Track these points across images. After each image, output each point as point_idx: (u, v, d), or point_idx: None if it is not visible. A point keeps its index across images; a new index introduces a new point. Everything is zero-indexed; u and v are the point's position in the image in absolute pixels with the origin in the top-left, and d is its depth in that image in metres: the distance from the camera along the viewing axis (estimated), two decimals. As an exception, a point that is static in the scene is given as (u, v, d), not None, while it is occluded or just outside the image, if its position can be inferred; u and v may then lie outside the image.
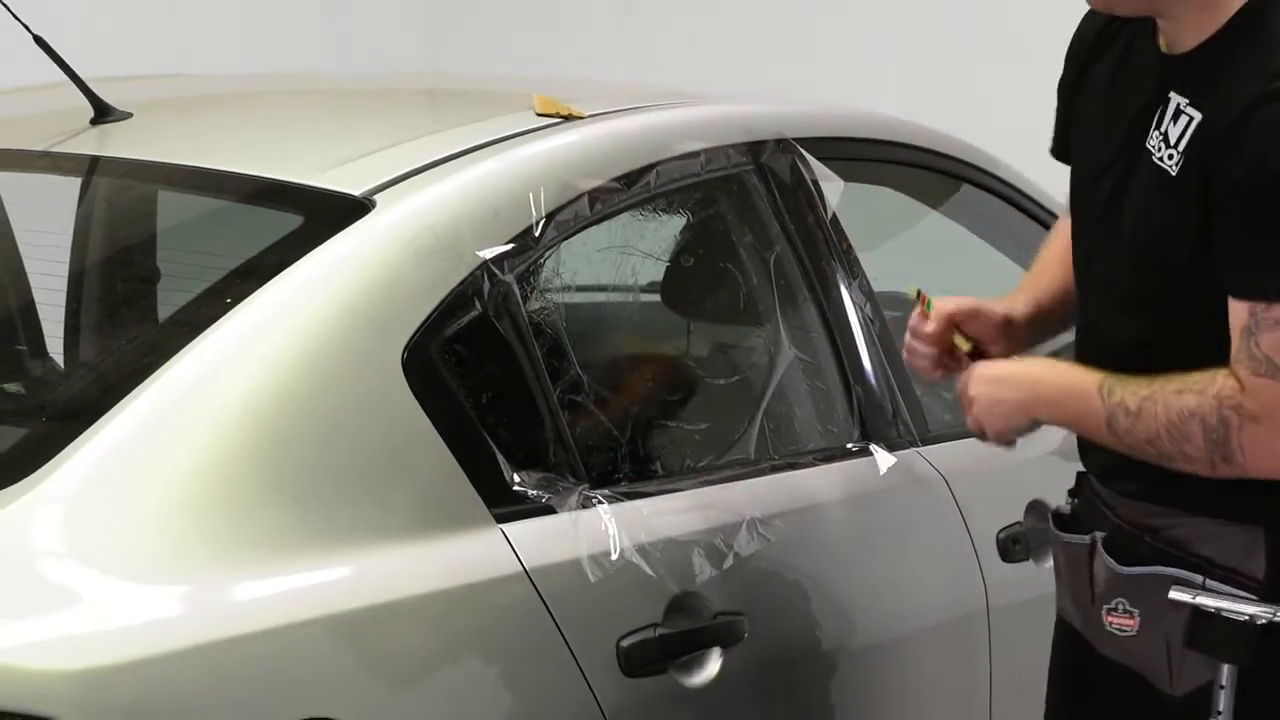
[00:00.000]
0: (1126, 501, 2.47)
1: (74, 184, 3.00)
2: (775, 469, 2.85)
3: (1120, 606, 2.43)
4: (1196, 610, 2.34)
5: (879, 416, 3.06)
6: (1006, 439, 2.54)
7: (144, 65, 3.69)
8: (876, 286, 3.11)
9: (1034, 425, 2.51)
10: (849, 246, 3.07)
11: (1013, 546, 3.05)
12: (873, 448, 3.02)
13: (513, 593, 2.38)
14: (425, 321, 2.42)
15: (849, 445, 3.00)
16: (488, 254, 2.50)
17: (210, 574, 2.15)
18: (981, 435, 2.55)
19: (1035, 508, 3.03)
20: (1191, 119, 2.32)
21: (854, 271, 3.06)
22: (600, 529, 2.48)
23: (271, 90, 3.70)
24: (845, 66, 6.62)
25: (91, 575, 2.10)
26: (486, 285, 2.49)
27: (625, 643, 2.47)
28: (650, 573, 2.50)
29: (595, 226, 2.76)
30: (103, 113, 2.85)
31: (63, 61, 2.86)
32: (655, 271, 3.10)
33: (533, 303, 2.59)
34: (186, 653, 2.07)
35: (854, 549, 2.93)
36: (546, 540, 2.43)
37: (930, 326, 2.59)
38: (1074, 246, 2.59)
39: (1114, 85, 2.51)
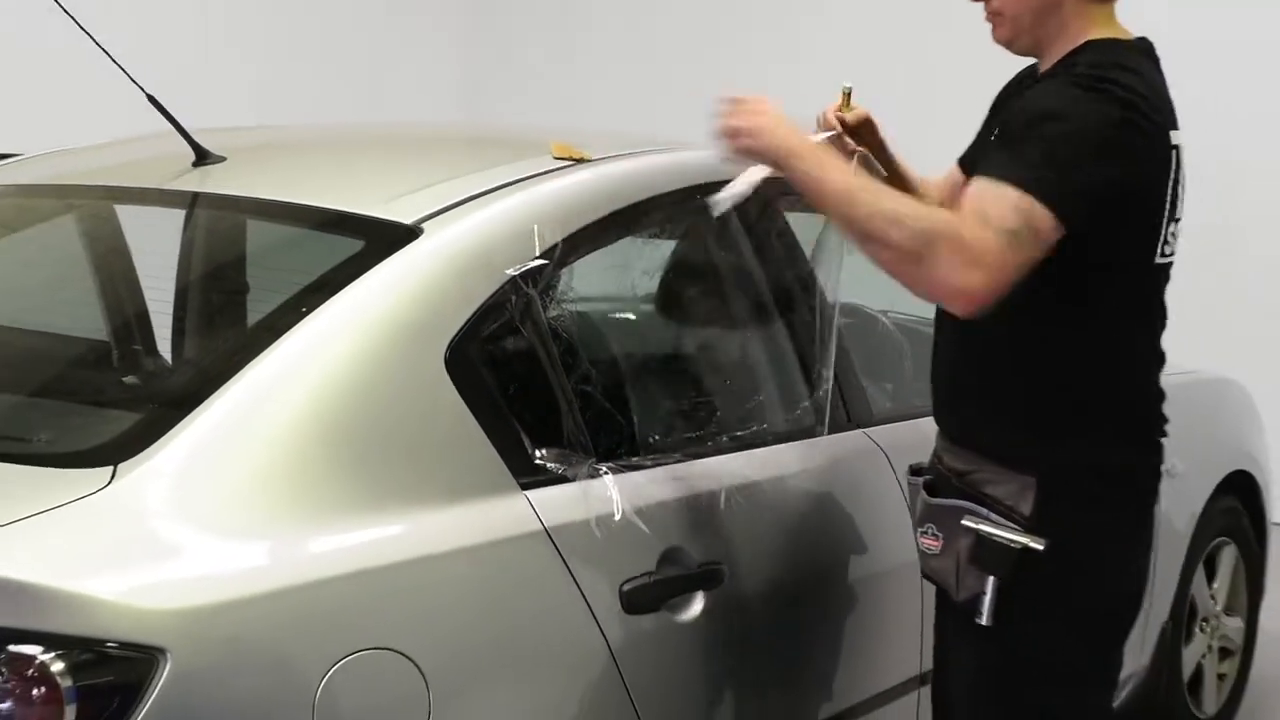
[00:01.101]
0: (950, 448, 2.64)
1: (179, 215, 3.01)
2: (748, 446, 2.85)
3: (930, 530, 2.61)
4: (979, 535, 2.50)
5: (833, 403, 3.07)
6: (745, 147, 2.46)
7: (233, 118, 3.69)
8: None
9: (768, 157, 2.45)
10: (806, 264, 3.08)
11: None
12: (827, 428, 3.03)
13: (534, 546, 2.38)
14: (463, 327, 2.43)
15: (808, 426, 3.01)
16: (514, 271, 2.50)
17: (290, 531, 2.16)
18: (731, 135, 2.47)
19: None
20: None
21: (810, 285, 3.07)
22: (606, 495, 2.48)
23: (338, 138, 3.71)
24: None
25: (194, 533, 2.12)
26: (514, 297, 2.49)
27: (626, 587, 2.48)
28: (646, 530, 2.50)
29: (602, 249, 2.77)
30: (202, 157, 2.85)
31: (170, 116, 2.86)
32: (650, 285, 3.11)
33: (551, 311, 2.59)
34: (271, 594, 2.08)
35: (813, 510, 2.94)
36: (561, 504, 2.44)
37: (849, 117, 2.67)
38: None
39: (998, 107, 2.70)
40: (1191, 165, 2.54)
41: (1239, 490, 4.24)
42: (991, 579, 2.49)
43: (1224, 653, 4.27)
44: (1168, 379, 2.66)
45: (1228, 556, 4.26)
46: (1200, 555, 4.08)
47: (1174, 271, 2.58)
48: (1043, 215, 2.28)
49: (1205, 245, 6.23)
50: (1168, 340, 2.63)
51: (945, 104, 6.24)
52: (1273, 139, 6.08)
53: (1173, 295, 2.58)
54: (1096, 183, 2.34)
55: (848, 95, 2.54)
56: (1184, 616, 4.03)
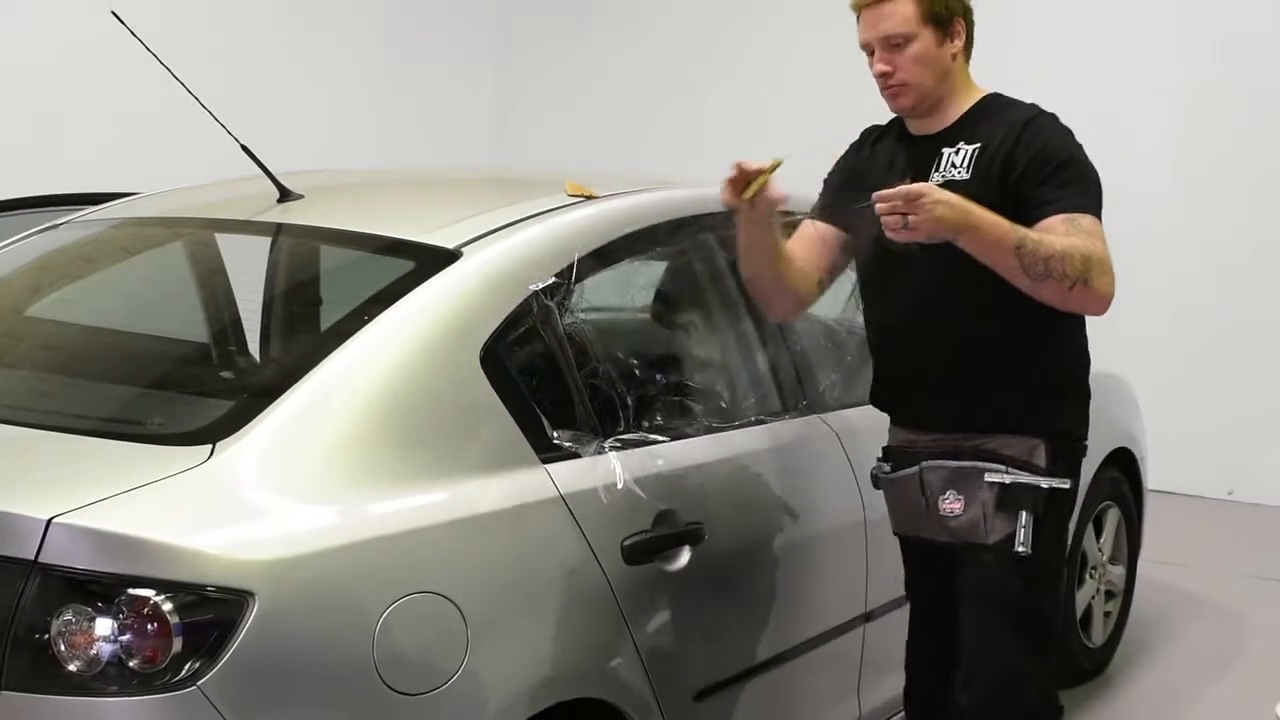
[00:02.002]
0: (945, 436, 2.62)
1: (266, 242, 3.01)
2: (724, 429, 2.84)
3: (951, 495, 2.59)
4: (1003, 486, 2.54)
5: (794, 393, 3.06)
6: (920, 236, 2.34)
7: (306, 162, 3.68)
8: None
9: (945, 238, 2.36)
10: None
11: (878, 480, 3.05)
12: (790, 414, 3.02)
13: (552, 509, 2.38)
14: (495, 331, 2.42)
15: (774, 412, 3.00)
16: (536, 286, 2.50)
17: (355, 497, 2.16)
18: (898, 228, 2.33)
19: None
20: (970, 150, 2.55)
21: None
22: (610, 468, 2.48)
23: (393, 179, 3.70)
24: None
25: (277, 498, 2.11)
26: (535, 307, 2.49)
27: (626, 543, 2.47)
28: (643, 496, 2.50)
29: (607, 268, 2.75)
30: (285, 194, 2.85)
31: (260, 162, 2.86)
32: (646, 296, 3.11)
33: (566, 318, 2.58)
34: (340, 548, 2.08)
35: (777, 480, 2.92)
36: (574, 475, 2.43)
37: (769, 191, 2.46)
38: (871, 264, 2.70)
39: (891, 169, 2.62)
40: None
41: (1121, 464, 4.24)
42: (1024, 514, 2.52)
43: (1109, 595, 4.27)
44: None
45: (1112, 517, 4.26)
46: (1090, 515, 4.08)
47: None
48: (1101, 221, 2.50)
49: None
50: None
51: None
52: (1130, 164, 6.06)
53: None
54: None
55: (777, 165, 2.42)
56: (1077, 565, 4.04)
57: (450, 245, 2.53)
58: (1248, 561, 5.26)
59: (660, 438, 2.64)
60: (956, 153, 2.57)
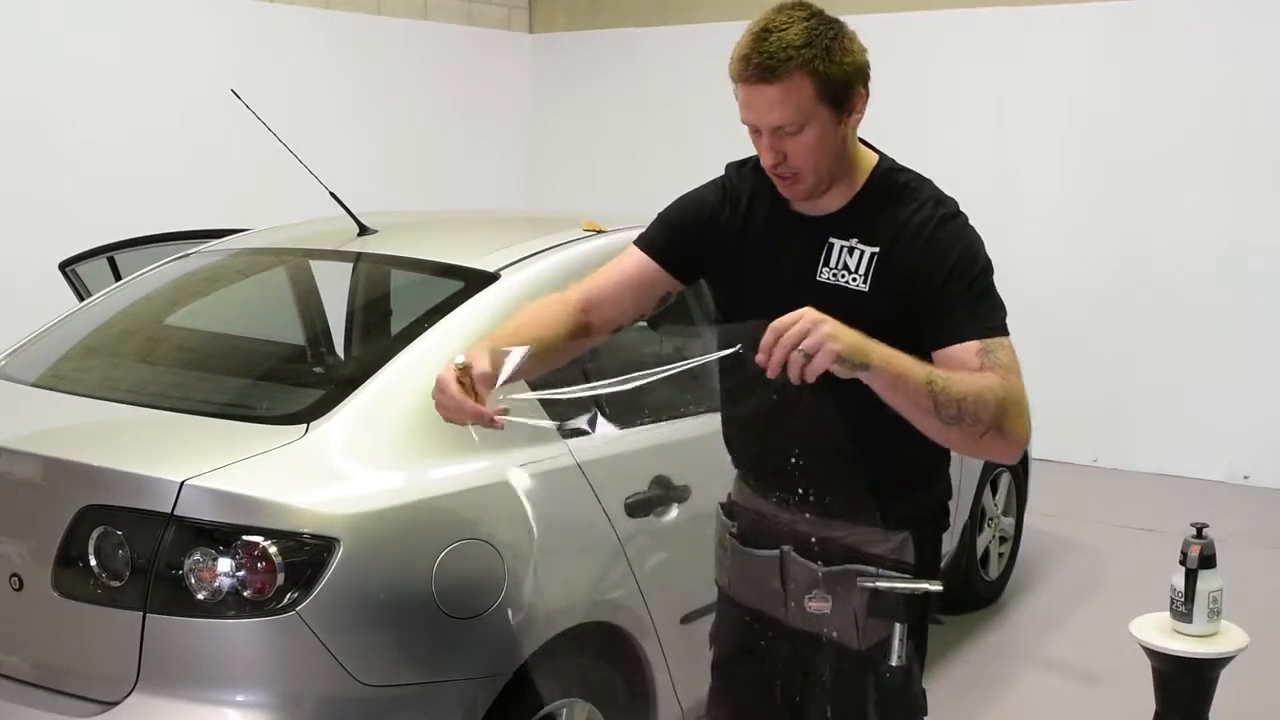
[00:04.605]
0: (806, 520, 1.85)
1: (348, 266, 2.99)
2: (706, 413, 2.82)
3: (818, 594, 1.84)
4: (875, 590, 1.80)
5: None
6: (821, 369, 1.52)
7: (375, 203, 3.67)
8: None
9: (844, 367, 1.54)
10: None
11: None
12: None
13: (571, 474, 2.38)
14: (526, 336, 2.42)
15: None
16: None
17: (419, 464, 2.15)
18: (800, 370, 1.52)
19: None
20: (868, 254, 1.76)
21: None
22: (616, 441, 2.46)
23: (447, 217, 3.68)
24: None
25: (358, 466, 2.11)
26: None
27: (629, 500, 2.47)
28: (642, 464, 2.49)
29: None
30: (363, 229, 2.84)
31: (344, 204, 2.85)
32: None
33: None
34: (408, 505, 2.09)
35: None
36: (588, 448, 2.41)
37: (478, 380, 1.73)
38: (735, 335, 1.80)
39: (772, 243, 1.84)
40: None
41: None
42: (898, 626, 1.80)
43: (1002, 539, 4.27)
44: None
45: (1004, 480, 4.26)
46: (988, 479, 4.09)
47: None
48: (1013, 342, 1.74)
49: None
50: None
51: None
52: (1002, 208, 6.04)
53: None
54: None
55: (463, 368, 1.72)
56: (978, 517, 4.03)
57: (491, 269, 2.52)
58: (1108, 513, 5.26)
59: (656, 419, 2.63)
60: (850, 252, 1.77)
